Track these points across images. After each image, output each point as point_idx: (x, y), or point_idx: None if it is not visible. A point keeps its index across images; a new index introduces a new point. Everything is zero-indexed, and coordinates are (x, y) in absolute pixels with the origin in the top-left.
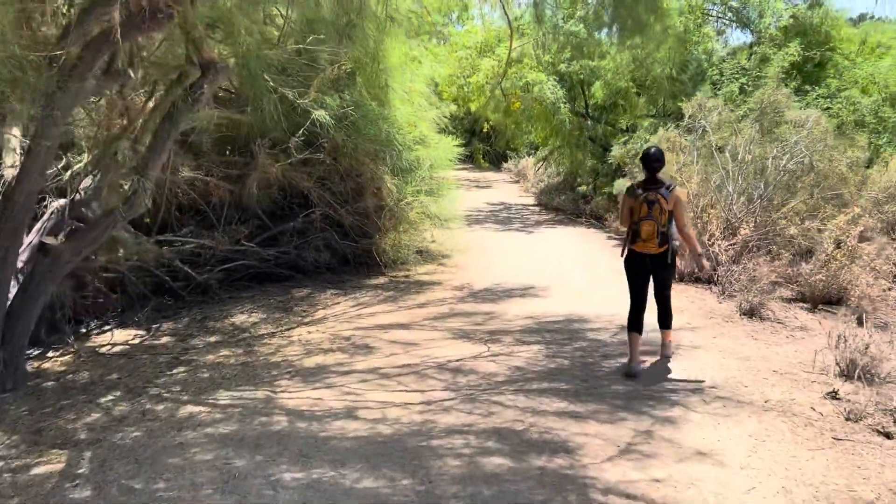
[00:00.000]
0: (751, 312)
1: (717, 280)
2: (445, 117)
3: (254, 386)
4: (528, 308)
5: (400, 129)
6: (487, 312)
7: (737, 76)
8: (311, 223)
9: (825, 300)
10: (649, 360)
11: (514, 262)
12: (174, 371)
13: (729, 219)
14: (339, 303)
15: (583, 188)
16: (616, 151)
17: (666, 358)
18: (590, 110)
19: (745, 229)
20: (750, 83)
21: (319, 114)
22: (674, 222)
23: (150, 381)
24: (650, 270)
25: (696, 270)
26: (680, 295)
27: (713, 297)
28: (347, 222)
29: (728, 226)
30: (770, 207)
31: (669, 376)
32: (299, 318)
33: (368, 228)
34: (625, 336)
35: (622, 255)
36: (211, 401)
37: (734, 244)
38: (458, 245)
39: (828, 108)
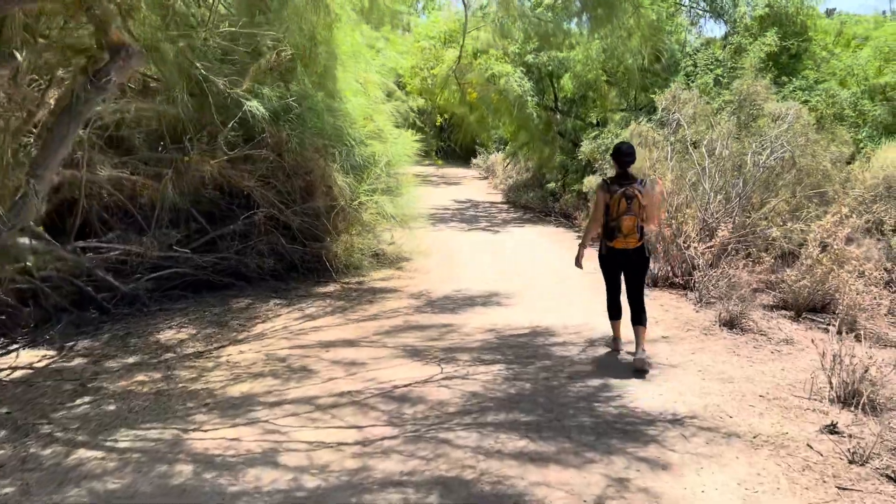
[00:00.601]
0: (731, 323)
1: (694, 286)
2: (413, 111)
3: (163, 422)
4: (489, 319)
5: (353, 122)
6: (445, 325)
7: (711, 67)
8: (254, 226)
9: (810, 307)
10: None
11: (479, 265)
12: (76, 402)
13: (706, 219)
14: (281, 315)
15: (551, 185)
16: (586, 147)
17: (640, 371)
18: (559, 104)
19: (722, 231)
20: (725, 75)
21: (252, 105)
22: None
23: (44, 416)
24: (627, 266)
25: (672, 275)
26: (654, 302)
27: (689, 305)
28: (295, 224)
29: (705, 227)
30: (749, 207)
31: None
32: (234, 334)
33: (319, 231)
34: (594, 352)
35: (579, 259)
36: (109, 443)
37: (711, 247)
38: (420, 247)
39: (806, 101)
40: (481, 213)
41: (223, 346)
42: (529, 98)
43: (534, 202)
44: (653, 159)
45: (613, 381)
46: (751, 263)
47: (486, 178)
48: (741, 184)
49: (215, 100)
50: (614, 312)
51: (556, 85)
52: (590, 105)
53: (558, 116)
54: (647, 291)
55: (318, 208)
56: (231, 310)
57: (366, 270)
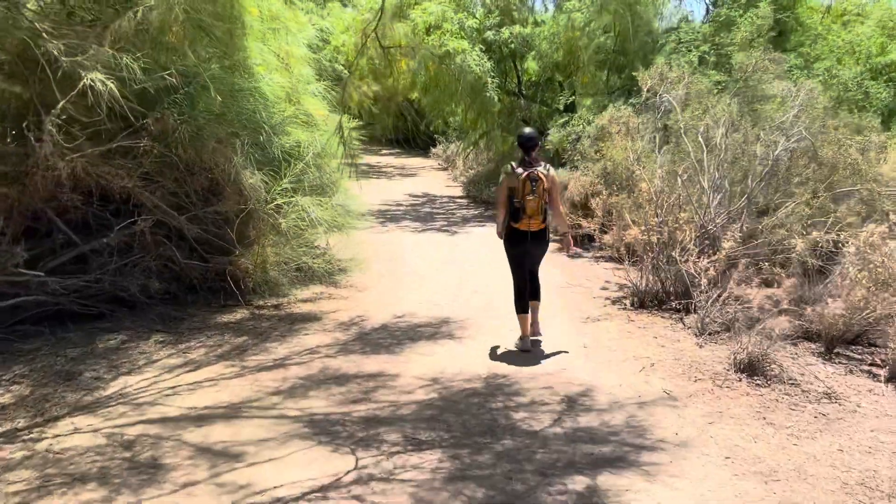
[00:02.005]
0: (751, 368)
1: (694, 309)
2: (368, 98)
3: None
4: (435, 362)
5: (270, 105)
6: (375, 374)
7: (696, 43)
8: (137, 237)
9: (844, 340)
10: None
11: (430, 278)
12: None
13: (705, 226)
14: (158, 360)
15: None
16: (554, 135)
17: (536, 335)
18: (522, 88)
19: (728, 241)
20: (711, 52)
21: (94, 77)
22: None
23: None
24: (530, 247)
25: (663, 294)
26: (646, 333)
27: (690, 337)
28: (191, 234)
29: (705, 235)
30: (760, 210)
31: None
32: (81, 395)
33: (226, 242)
34: (575, 421)
35: (500, 236)
36: None
37: (715, 262)
38: (361, 255)
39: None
40: (438, 210)
41: (55, 419)
42: (489, 80)
43: (496, 197)
44: (636, 151)
45: (608, 479)
46: (765, 283)
47: (445, 168)
48: (749, 181)
49: (55, 71)
50: (522, 305)
51: (519, 67)
52: (556, 89)
53: (522, 102)
54: (633, 315)
55: (226, 213)
56: (94, 352)
57: (286, 289)
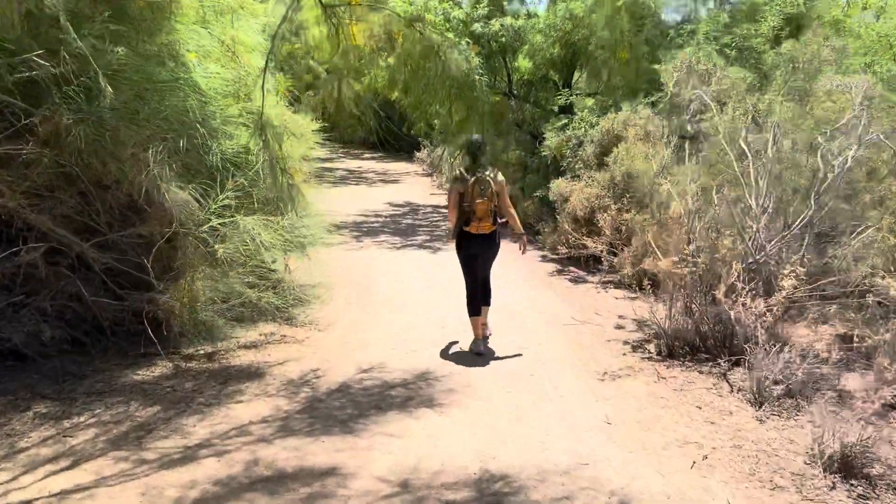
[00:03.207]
0: (846, 467)
1: (748, 366)
2: (349, 98)
3: None
4: (408, 450)
5: (209, 101)
6: (322, 473)
7: (716, 34)
8: (28, 269)
9: None
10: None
11: (408, 311)
12: None
13: (755, 258)
14: (25, 448)
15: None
16: (551, 140)
17: (486, 338)
18: (514, 87)
19: (788, 278)
20: (734, 44)
21: None
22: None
23: None
24: (480, 250)
25: (699, 343)
26: (683, 397)
27: (743, 406)
28: (102, 265)
29: (754, 267)
30: (827, 238)
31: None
32: None
33: (147, 274)
34: None
35: (452, 239)
36: None
37: (771, 307)
38: (328, 279)
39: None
40: (421, 222)
41: None
42: (477, 77)
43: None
44: (661, 160)
45: None
46: (843, 338)
47: (430, 175)
48: (810, 199)
49: None
50: (474, 308)
51: (510, 63)
52: (551, 89)
53: (513, 103)
54: (662, 369)
55: (152, 238)
56: None
57: (226, 332)
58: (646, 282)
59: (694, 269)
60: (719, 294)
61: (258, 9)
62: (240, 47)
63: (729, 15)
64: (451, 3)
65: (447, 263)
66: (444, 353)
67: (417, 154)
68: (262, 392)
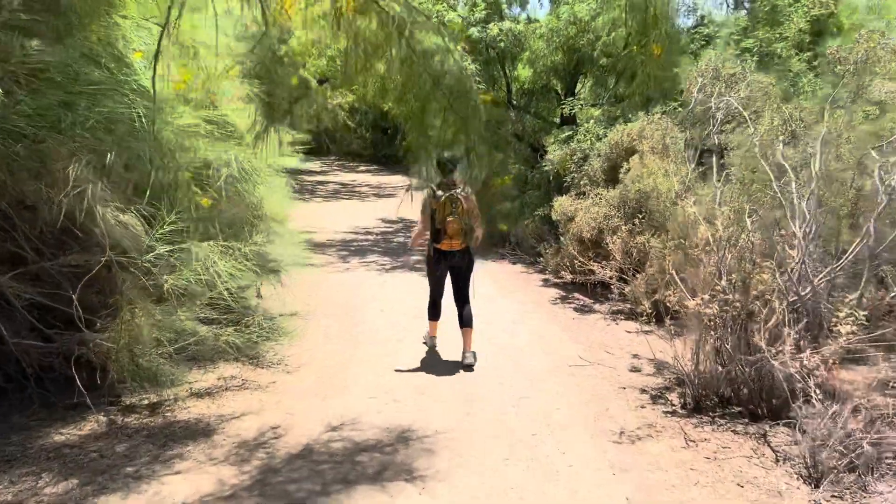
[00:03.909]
0: None
1: (799, 429)
2: (342, 109)
3: None
4: None
5: (159, 109)
6: None
7: (736, 38)
8: None
9: None
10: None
11: (392, 347)
12: None
13: (800, 295)
14: None
15: (506, 204)
16: (554, 153)
17: (468, 367)
18: (513, 96)
19: (846, 324)
20: (755, 49)
21: None
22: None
23: None
24: (453, 267)
25: (732, 396)
26: (718, 469)
27: (793, 482)
28: (23, 301)
29: (801, 307)
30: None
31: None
32: None
33: (90, 309)
34: None
35: (411, 247)
36: None
37: (826, 358)
38: (307, 307)
39: None
40: None
41: None
42: (474, 86)
43: (482, 225)
44: (681, 177)
45: None
46: None
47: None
48: (870, 226)
49: None
50: (434, 314)
51: (509, 72)
52: (553, 99)
53: (513, 114)
54: (688, 427)
55: (90, 267)
56: None
57: (178, 376)
58: (664, 316)
59: (727, 307)
60: (759, 340)
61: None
62: (203, 49)
63: (748, 19)
64: (445, 5)
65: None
66: (431, 403)
67: (413, 167)
68: (207, 458)
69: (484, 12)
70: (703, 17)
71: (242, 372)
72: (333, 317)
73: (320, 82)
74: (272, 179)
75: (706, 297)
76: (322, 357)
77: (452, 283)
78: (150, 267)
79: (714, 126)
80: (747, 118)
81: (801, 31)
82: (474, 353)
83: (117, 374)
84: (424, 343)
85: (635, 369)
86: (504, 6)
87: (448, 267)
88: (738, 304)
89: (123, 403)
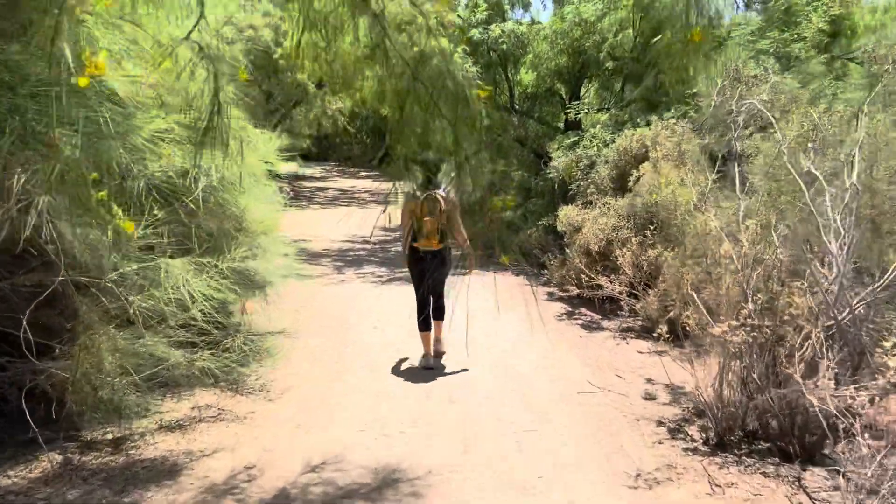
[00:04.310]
0: None
1: (844, 477)
2: (342, 114)
3: None
4: None
5: (129, 113)
6: None
7: (751, 39)
8: None
9: None
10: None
11: (385, 373)
12: None
13: (836, 319)
14: None
15: (507, 213)
16: (559, 160)
17: (439, 355)
18: (515, 101)
19: (895, 356)
20: (771, 50)
21: None
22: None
23: None
24: (430, 266)
25: (761, 429)
26: None
27: None
28: None
29: (837, 333)
30: None
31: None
32: None
33: (53, 332)
34: None
35: (404, 254)
36: None
37: (871, 395)
38: (292, 327)
39: None
40: None
41: None
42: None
43: (484, 234)
44: (700, 187)
45: None
46: None
47: None
48: None
49: None
50: (424, 323)
51: (512, 75)
52: (557, 103)
53: (515, 119)
54: (712, 468)
55: (50, 285)
56: None
57: (148, 406)
58: (680, 335)
59: (755, 333)
60: (792, 372)
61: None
62: (181, 49)
63: (763, 19)
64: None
65: None
66: (425, 438)
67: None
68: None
69: (486, 13)
70: (712, 19)
71: (220, 400)
72: (323, 334)
73: (318, 86)
74: (261, 187)
75: (732, 322)
76: (308, 382)
77: (428, 283)
78: (115, 287)
79: (735, 131)
80: (774, 122)
81: (820, 31)
82: (441, 349)
83: (76, 406)
84: (421, 367)
85: (650, 397)
86: (507, 7)
87: (425, 266)
88: (767, 331)
89: (83, 439)
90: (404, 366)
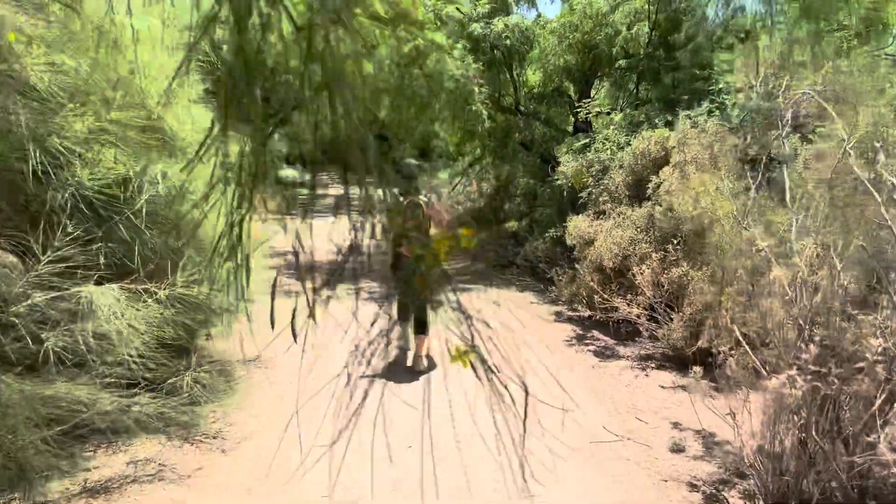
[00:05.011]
0: None
1: None
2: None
3: None
4: None
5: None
6: None
7: (780, 30)
8: None
9: None
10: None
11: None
12: None
13: None
14: None
15: (510, 224)
16: (567, 165)
17: (418, 372)
18: (521, 101)
19: None
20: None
21: None
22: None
23: None
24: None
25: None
26: None
27: None
28: None
29: None
30: None
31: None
32: None
33: None
34: None
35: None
36: None
37: None
38: (265, 356)
39: None
40: None
41: None
42: (476, 88)
43: (487, 246)
44: (739, 196)
45: None
46: None
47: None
48: None
49: None
50: (404, 315)
51: (516, 74)
52: (565, 104)
53: (521, 121)
54: None
55: None
56: None
57: (66, 468)
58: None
59: (817, 383)
60: (863, 430)
61: None
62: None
63: (795, 8)
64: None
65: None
66: None
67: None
68: None
69: (488, 6)
70: (736, 10)
71: (164, 452)
72: (299, 365)
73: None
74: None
75: (791, 372)
76: (271, 427)
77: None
78: (20, 322)
79: (782, 129)
80: (834, 117)
81: (863, 18)
82: (423, 362)
83: None
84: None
85: (678, 448)
86: (511, 0)
87: (408, 271)
88: (834, 381)
89: None
90: (388, 408)
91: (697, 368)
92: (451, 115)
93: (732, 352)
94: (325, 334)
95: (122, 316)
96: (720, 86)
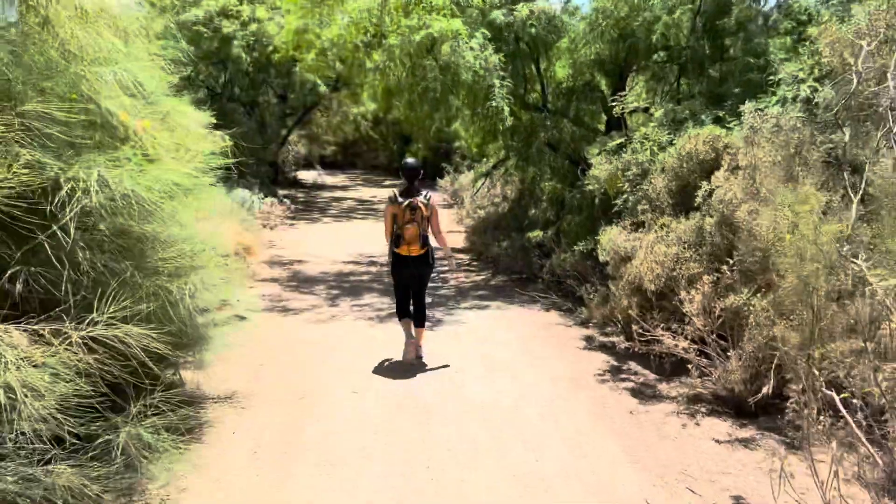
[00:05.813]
0: None
1: None
2: (365, 119)
3: None
4: None
5: None
6: None
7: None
8: None
9: None
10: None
11: (348, 474)
12: None
13: None
14: None
15: (535, 233)
16: (600, 168)
17: (419, 358)
18: (548, 97)
19: None
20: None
21: None
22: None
23: None
24: (412, 272)
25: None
26: None
27: None
28: None
29: None
30: None
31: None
32: None
33: None
34: None
35: (388, 262)
36: None
37: None
38: (248, 388)
39: None
40: None
41: None
42: (497, 81)
43: (510, 257)
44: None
45: None
46: None
47: (451, 205)
48: None
49: None
50: (403, 312)
51: (543, 66)
52: (597, 100)
53: (547, 119)
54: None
55: None
56: None
57: None
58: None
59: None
60: None
61: None
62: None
63: None
64: None
65: (446, 356)
66: None
67: (440, 180)
68: None
69: None
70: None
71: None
72: (283, 404)
73: (334, 88)
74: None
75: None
76: (237, 487)
77: (410, 286)
78: None
79: (891, 121)
80: None
81: None
82: (421, 353)
83: None
84: (404, 359)
85: None
86: None
87: (409, 271)
88: None
89: None
90: (383, 466)
91: (770, 444)
92: (469, 112)
93: (821, 418)
94: (321, 359)
95: (18, 369)
96: (780, 76)
